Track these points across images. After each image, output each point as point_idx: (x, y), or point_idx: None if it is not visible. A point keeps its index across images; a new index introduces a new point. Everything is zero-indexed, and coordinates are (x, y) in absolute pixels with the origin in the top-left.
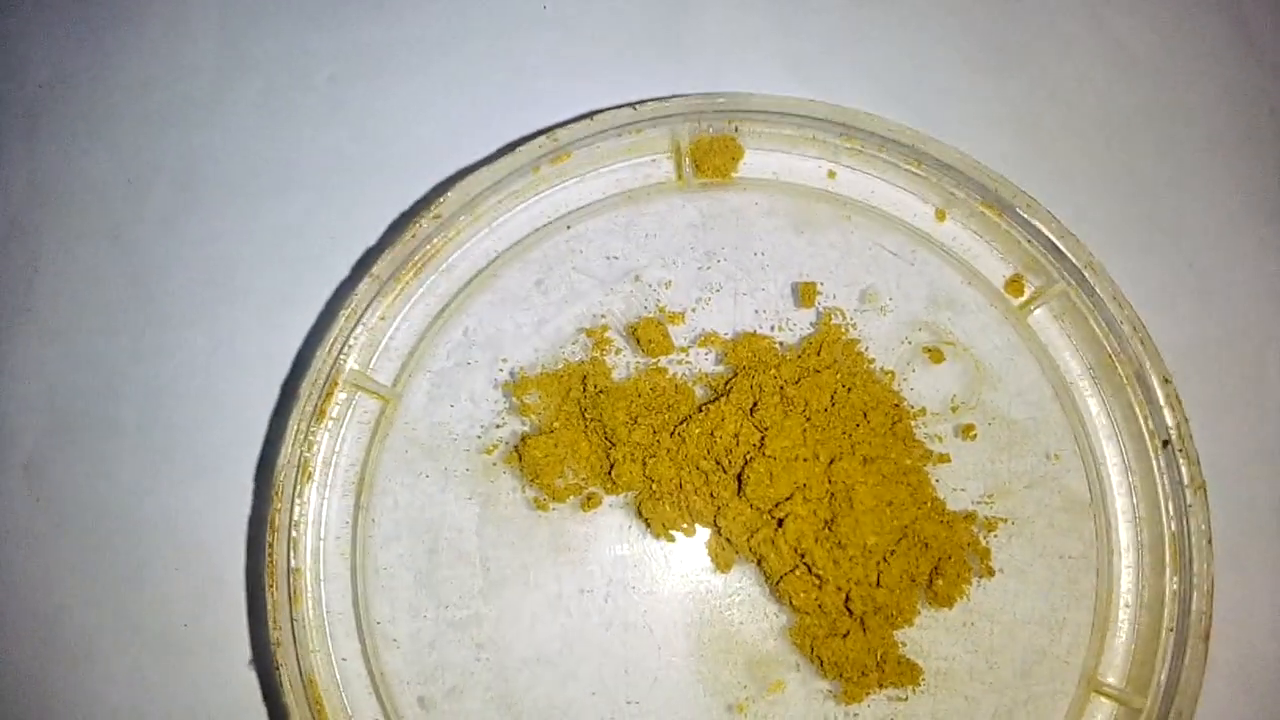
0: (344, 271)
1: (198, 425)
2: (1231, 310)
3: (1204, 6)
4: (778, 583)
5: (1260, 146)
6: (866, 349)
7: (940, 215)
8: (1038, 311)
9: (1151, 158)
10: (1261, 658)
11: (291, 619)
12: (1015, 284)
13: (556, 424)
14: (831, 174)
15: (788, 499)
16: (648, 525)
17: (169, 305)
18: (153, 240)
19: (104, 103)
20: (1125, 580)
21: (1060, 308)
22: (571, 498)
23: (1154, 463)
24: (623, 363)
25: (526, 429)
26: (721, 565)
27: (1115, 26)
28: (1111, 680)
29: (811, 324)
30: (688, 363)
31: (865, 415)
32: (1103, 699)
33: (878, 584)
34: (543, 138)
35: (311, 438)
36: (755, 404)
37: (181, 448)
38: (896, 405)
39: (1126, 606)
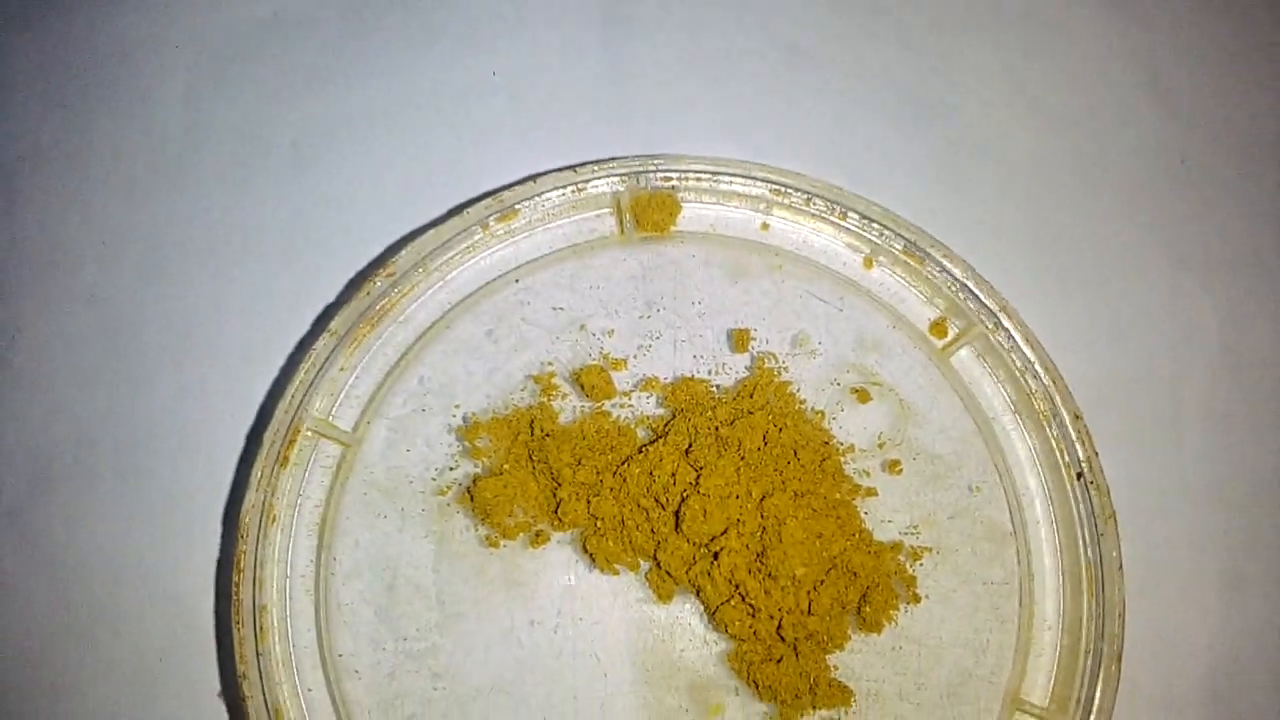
0: (305, 327)
1: (170, 473)
2: (1146, 349)
3: (1119, 62)
4: (714, 612)
5: (1173, 194)
6: (798, 390)
7: (868, 263)
8: (961, 352)
9: (1070, 206)
10: (1179, 678)
11: (257, 653)
12: (939, 326)
13: (506, 466)
14: (765, 225)
15: (722, 534)
16: (593, 560)
17: (142, 361)
18: (126, 300)
19: (78, 173)
20: (1047, 604)
21: (982, 348)
22: (521, 535)
23: (1070, 493)
24: (569, 407)
25: (478, 471)
26: (663, 596)
27: (1033, 83)
28: (1034, 699)
29: (746, 368)
30: (630, 406)
31: (796, 453)
32: (1027, 717)
33: (809, 611)
34: (489, 199)
35: (275, 482)
36: (691, 444)
37: (154, 494)
38: (826, 443)
39: (1048, 629)
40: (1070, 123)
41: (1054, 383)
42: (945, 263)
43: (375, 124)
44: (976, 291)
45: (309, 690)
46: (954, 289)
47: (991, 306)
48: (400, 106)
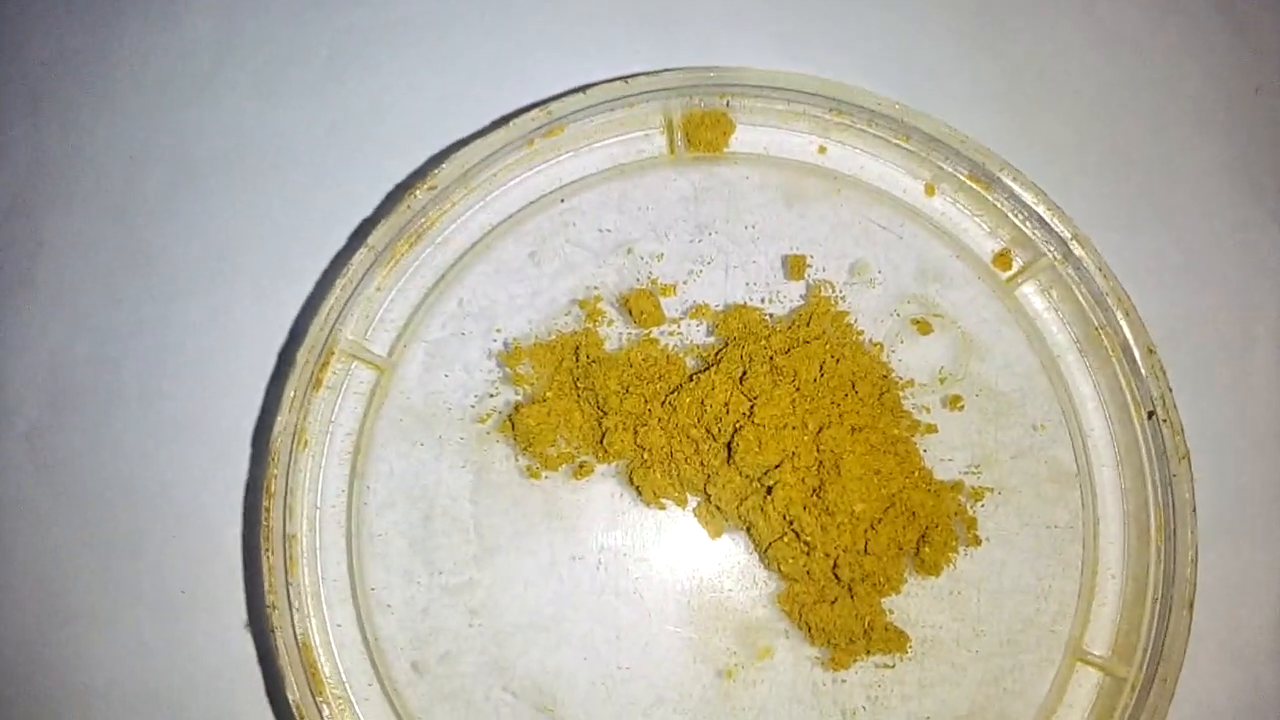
0: (340, 243)
1: (196, 394)
2: (1217, 284)
3: None
4: (767, 550)
5: (1245, 124)
6: (855, 321)
7: (929, 190)
8: (1025, 285)
9: (1138, 135)
10: (1247, 628)
11: (287, 584)
12: (1003, 258)
13: (549, 393)
14: (822, 149)
15: (776, 467)
16: (639, 493)
17: (169, 278)
18: (153, 215)
19: (104, 81)
20: (1111, 550)
21: (1048, 281)
22: (564, 466)
23: (1139, 434)
24: (615, 334)
25: (520, 398)
26: (712, 532)
27: (1101, 5)
28: (1097, 649)
29: (801, 296)
30: (679, 334)
31: (854, 385)
32: (1088, 667)
33: (865, 551)
34: (536, 110)
35: (308, 406)
36: (744, 373)
37: (180, 416)
38: (885, 376)
39: (1113, 577)
40: (1138, 47)
41: (1127, 315)
42: (1016, 187)
43: (416, 32)
44: (1046, 217)
45: (338, 625)
46: (1021, 217)
47: (1063, 234)
48: (441, 11)
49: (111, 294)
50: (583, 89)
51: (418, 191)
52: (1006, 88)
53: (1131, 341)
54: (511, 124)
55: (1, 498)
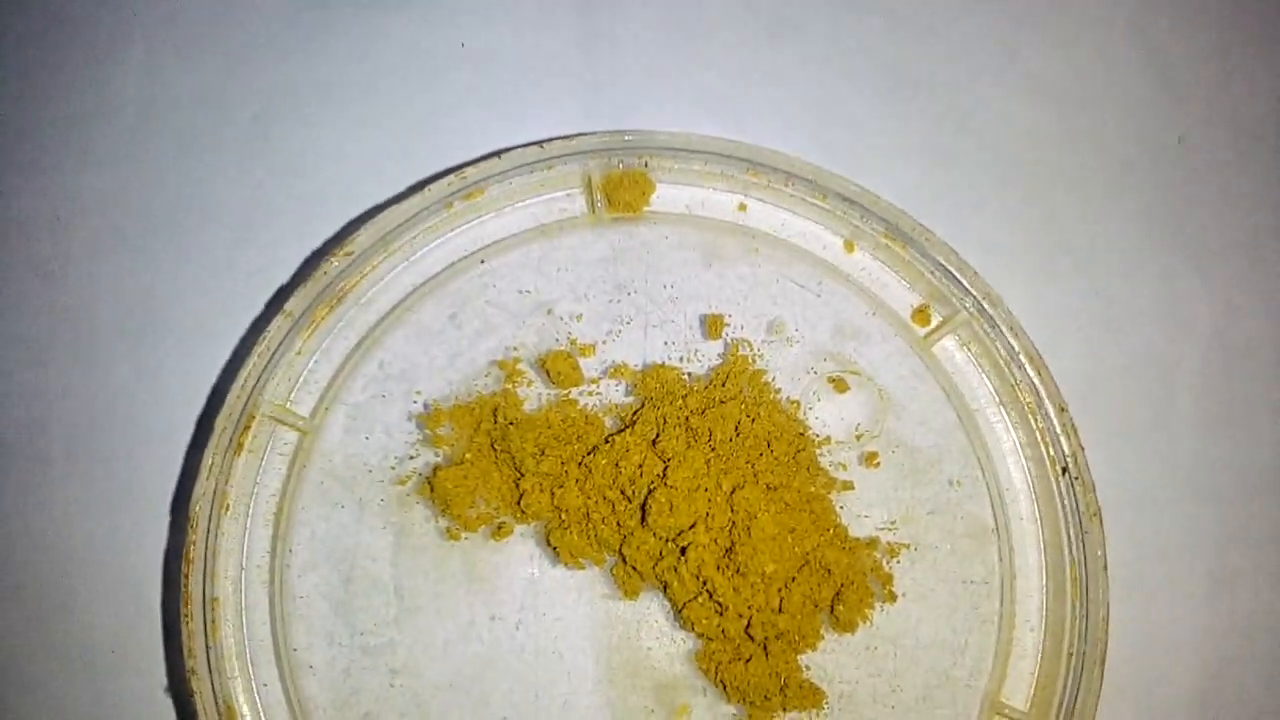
0: (260, 308)
1: (122, 456)
2: (1137, 336)
3: (1115, 37)
4: (681, 609)
5: (1167, 175)
6: (773, 379)
7: (849, 246)
8: (944, 341)
9: (1059, 186)
10: (1165, 680)
11: (207, 648)
12: (922, 313)
13: (468, 455)
14: (742, 206)
15: (690, 528)
16: (556, 554)
17: (94, 339)
18: (78, 275)
19: (31, 140)
20: (1029, 603)
21: (965, 336)
22: (483, 527)
23: (1055, 489)
24: (534, 394)
25: (439, 460)
26: (629, 592)
27: (1025, 56)
28: (1015, 703)
29: (719, 355)
30: (598, 394)
31: (769, 444)
32: None
33: (779, 610)
34: (452, 176)
35: (229, 470)
36: (659, 434)
37: (105, 478)
38: (800, 434)
39: (1030, 630)
40: (1062, 98)
41: (1039, 373)
42: (928, 247)
43: (339, 95)
44: (960, 278)
45: (263, 685)
46: (937, 275)
47: (976, 293)
48: (366, 77)
49: (38, 356)
50: (498, 153)
51: (334, 258)
52: (927, 143)
53: (1045, 398)
54: (427, 190)
55: None
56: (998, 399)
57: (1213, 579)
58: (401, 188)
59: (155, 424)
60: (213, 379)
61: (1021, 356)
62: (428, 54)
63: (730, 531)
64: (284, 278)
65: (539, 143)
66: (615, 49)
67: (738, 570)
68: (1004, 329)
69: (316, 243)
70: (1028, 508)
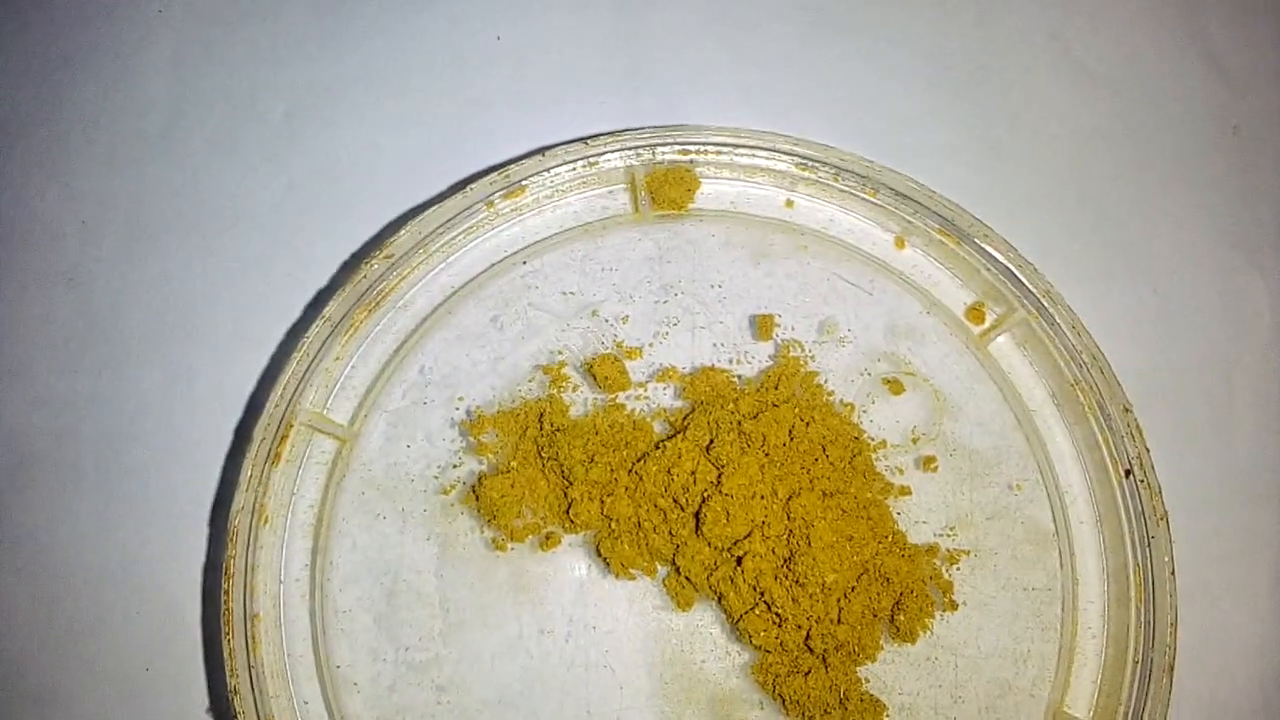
0: (297, 312)
1: (155, 467)
2: (1196, 335)
3: (1167, 26)
4: (737, 621)
5: (1223, 167)
6: (825, 381)
7: (899, 243)
8: (999, 339)
9: (1114, 181)
10: (1229, 687)
11: (249, 665)
12: (976, 311)
13: (514, 463)
14: (789, 203)
15: (746, 537)
16: (607, 564)
17: (125, 345)
18: (107, 281)
19: (58, 143)
20: (1091, 611)
21: (1022, 335)
22: (530, 537)
23: (1117, 492)
24: (580, 399)
25: (483, 468)
26: (682, 604)
27: (1077, 49)
28: (1077, 712)
29: (770, 356)
30: (646, 398)
31: (824, 449)
32: None
33: (838, 620)
34: (494, 174)
35: (267, 481)
36: (712, 441)
37: (139, 490)
38: (856, 438)
39: (1093, 637)
40: (1115, 91)
41: (1101, 372)
42: (984, 243)
43: (373, 92)
44: (1018, 274)
45: (305, 703)
46: (992, 271)
47: (1034, 290)
48: (400, 73)
49: (68, 363)
50: (542, 150)
51: (374, 261)
52: (979, 138)
53: (1106, 400)
54: (469, 188)
55: None
56: (1056, 400)
57: (1277, 582)
58: (440, 187)
59: (189, 433)
60: (247, 386)
61: (1082, 355)
62: (463, 48)
63: (788, 540)
64: (321, 281)
65: (583, 139)
66: (654, 42)
67: (797, 581)
68: (1065, 327)
69: (354, 245)
70: (1088, 511)
